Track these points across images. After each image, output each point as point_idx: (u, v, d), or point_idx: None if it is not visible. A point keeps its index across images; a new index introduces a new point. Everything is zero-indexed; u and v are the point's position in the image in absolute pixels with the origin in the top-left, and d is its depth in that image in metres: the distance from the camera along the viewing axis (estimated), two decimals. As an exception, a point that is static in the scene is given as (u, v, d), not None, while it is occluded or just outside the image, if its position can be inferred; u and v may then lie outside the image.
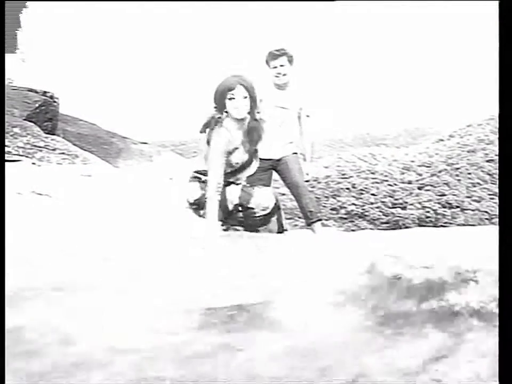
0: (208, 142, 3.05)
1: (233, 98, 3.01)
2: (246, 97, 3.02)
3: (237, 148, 3.10)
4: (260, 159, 4.28)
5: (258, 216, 3.24)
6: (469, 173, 60.17)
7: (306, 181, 4.29)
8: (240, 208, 3.22)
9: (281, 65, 4.11)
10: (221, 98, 3.04)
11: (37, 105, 7.85)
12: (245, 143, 3.12)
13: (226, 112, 3.05)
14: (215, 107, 3.09)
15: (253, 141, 3.15)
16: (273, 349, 1.08)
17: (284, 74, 4.11)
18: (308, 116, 4.30)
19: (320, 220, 4.17)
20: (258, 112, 3.15)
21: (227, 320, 1.35)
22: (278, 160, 4.24)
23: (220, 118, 3.06)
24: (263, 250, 2.55)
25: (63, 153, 6.49)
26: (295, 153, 4.31)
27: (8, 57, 15.35)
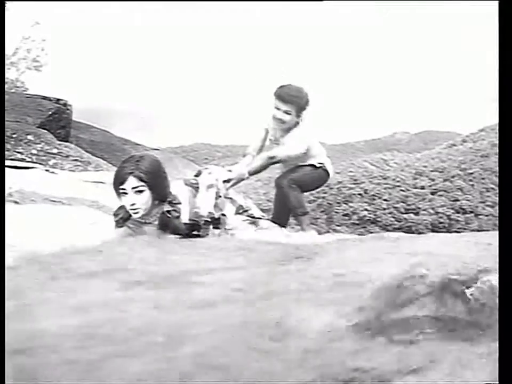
0: None
1: (126, 193, 2.25)
2: (142, 191, 2.22)
3: None
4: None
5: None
6: (482, 178, 59.72)
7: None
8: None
9: (286, 112, 3.50)
10: (116, 193, 2.32)
11: (50, 112, 7.95)
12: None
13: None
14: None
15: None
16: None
17: (284, 122, 3.53)
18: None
19: (307, 213, 3.84)
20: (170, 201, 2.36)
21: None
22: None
23: (137, 222, 2.35)
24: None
25: (76, 160, 6.56)
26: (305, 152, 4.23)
27: (22, 65, 15.59)
